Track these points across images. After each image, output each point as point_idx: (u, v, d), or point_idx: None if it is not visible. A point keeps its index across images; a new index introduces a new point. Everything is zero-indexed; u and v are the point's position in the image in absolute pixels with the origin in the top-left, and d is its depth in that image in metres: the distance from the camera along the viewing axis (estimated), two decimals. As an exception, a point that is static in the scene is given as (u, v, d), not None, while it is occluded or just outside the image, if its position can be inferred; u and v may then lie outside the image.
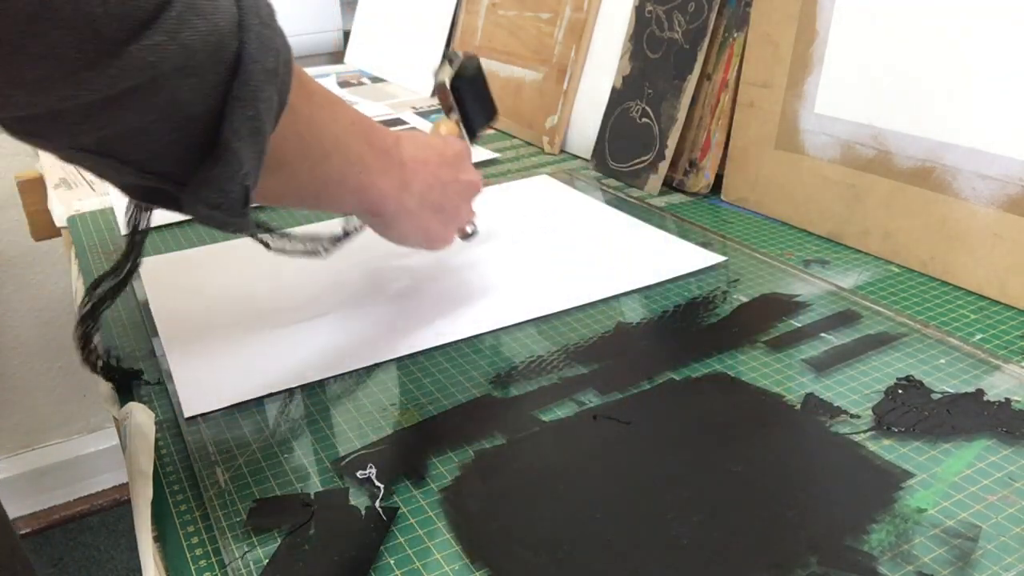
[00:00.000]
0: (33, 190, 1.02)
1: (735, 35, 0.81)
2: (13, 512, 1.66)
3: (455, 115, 0.69)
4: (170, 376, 0.56)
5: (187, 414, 0.52)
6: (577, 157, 1.00)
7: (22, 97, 0.30)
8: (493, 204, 0.85)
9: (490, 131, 0.73)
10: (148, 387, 0.56)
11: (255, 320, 0.63)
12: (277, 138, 0.40)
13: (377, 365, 0.57)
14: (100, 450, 1.76)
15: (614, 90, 0.93)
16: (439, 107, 1.24)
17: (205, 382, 0.55)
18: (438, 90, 0.68)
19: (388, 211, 0.55)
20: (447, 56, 0.68)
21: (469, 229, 0.67)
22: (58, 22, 0.28)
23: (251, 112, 0.35)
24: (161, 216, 0.86)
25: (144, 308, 0.66)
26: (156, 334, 0.61)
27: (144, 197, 0.40)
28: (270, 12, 0.37)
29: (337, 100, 0.50)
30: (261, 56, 0.35)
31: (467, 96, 0.68)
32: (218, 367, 0.57)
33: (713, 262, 0.69)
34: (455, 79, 0.67)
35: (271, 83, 0.37)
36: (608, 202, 0.84)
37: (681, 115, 0.84)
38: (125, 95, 0.32)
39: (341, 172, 0.50)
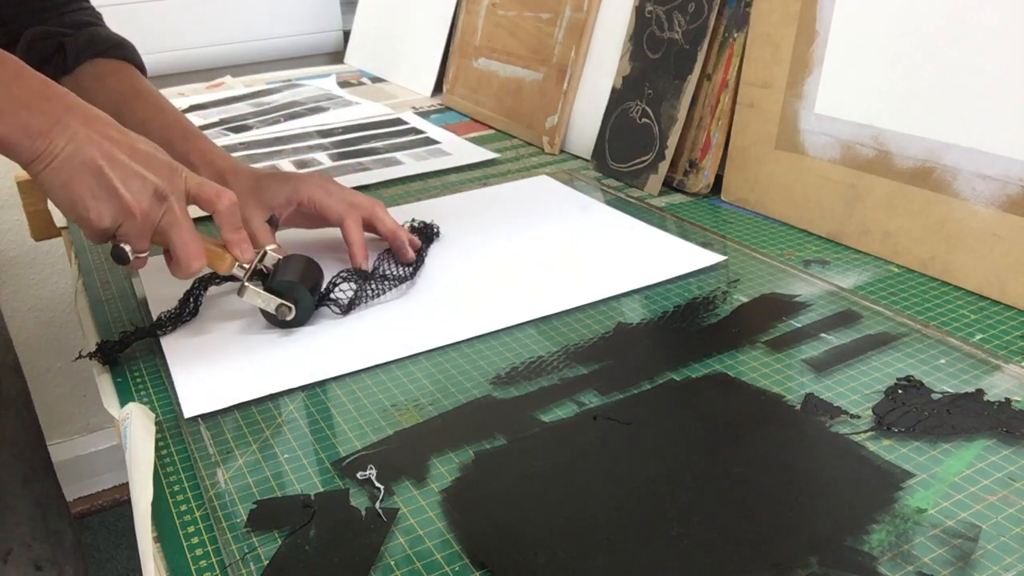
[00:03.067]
0: (33, 190, 1.02)
1: (735, 35, 0.81)
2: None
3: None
4: (170, 376, 0.56)
5: (187, 414, 0.52)
6: (577, 157, 1.00)
7: None
8: (493, 204, 0.85)
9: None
10: (145, 382, 0.56)
11: (255, 320, 0.63)
12: None
13: (377, 366, 0.57)
14: (100, 450, 1.76)
15: (614, 90, 0.93)
16: (440, 107, 1.25)
17: (205, 382, 0.55)
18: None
19: (31, 163, 0.51)
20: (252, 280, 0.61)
21: (126, 247, 0.54)
22: None
23: None
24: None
25: (144, 308, 0.66)
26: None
27: None
28: None
29: None
30: None
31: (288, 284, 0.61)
32: (218, 368, 0.57)
33: (713, 262, 0.69)
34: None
35: None
36: (608, 202, 0.84)
37: (681, 115, 0.84)
38: None
39: None
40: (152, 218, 0.55)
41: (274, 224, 0.69)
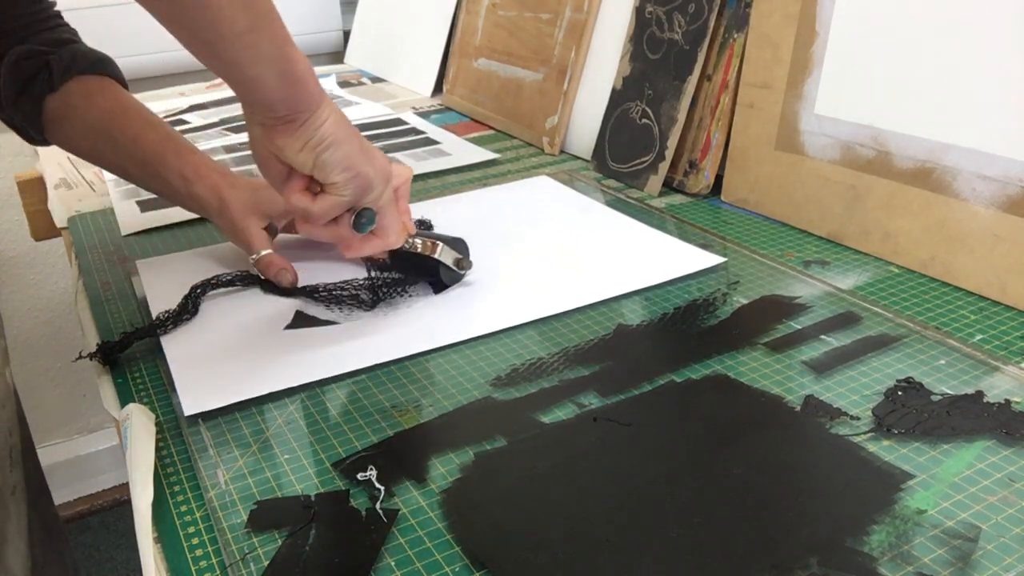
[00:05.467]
0: (33, 190, 1.02)
1: (735, 36, 0.81)
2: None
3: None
4: (170, 377, 0.56)
5: (187, 412, 0.52)
6: (577, 158, 1.00)
7: None
8: (493, 205, 0.85)
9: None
10: (145, 383, 0.56)
11: (255, 320, 0.63)
12: None
13: (378, 366, 0.57)
14: (100, 450, 1.76)
15: (614, 91, 0.93)
16: (440, 107, 1.25)
17: (205, 382, 0.55)
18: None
19: (318, 108, 0.53)
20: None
21: (364, 217, 0.59)
22: None
23: None
24: (161, 217, 0.86)
25: (144, 308, 0.66)
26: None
27: None
28: None
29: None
30: None
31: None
32: (218, 367, 0.57)
33: (713, 263, 0.69)
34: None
35: None
36: (608, 203, 0.84)
37: (681, 116, 0.84)
38: None
39: (260, 27, 0.48)
40: (386, 190, 0.59)
41: (273, 232, 0.71)
